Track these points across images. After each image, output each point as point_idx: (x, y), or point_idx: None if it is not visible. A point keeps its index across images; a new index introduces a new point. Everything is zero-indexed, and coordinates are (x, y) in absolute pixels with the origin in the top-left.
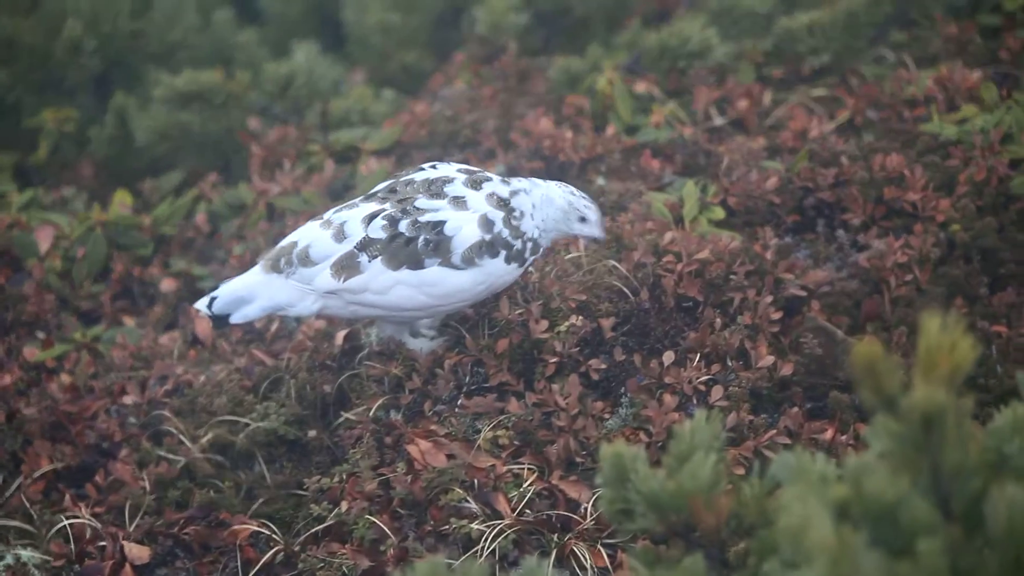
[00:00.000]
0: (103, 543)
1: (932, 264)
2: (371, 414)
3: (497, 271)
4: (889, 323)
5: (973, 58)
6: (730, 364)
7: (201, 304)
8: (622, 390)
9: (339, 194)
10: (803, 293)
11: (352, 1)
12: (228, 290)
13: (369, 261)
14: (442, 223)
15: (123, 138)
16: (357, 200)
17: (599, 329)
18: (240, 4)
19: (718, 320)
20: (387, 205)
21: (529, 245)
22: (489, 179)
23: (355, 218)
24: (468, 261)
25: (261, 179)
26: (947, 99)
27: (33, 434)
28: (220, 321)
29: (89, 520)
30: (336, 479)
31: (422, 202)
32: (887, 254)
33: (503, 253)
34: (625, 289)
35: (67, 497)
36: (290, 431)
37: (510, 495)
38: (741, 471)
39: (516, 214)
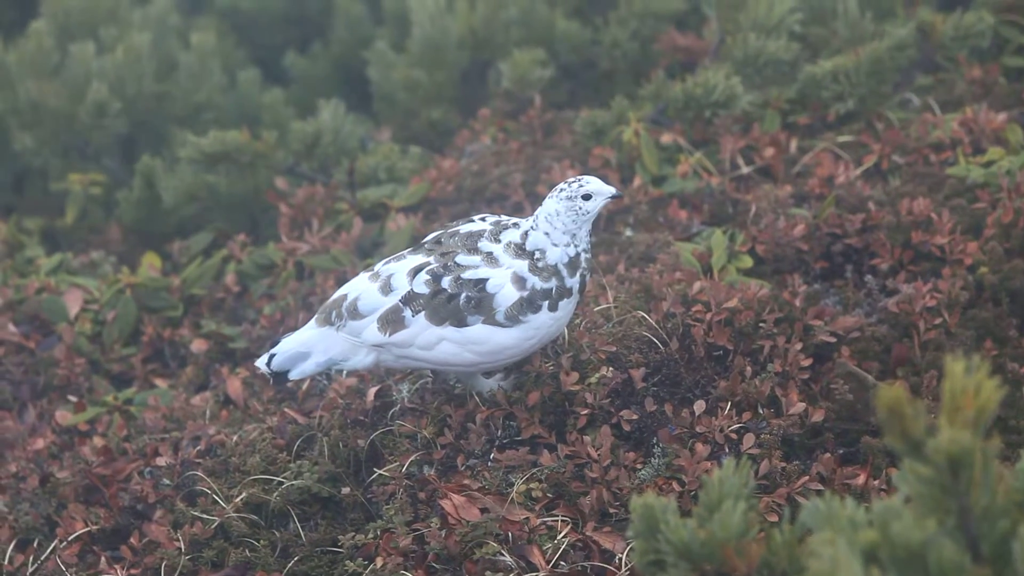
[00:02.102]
0: None
1: (961, 307)
2: (404, 470)
3: (544, 324)
4: (919, 367)
5: (998, 100)
6: (761, 412)
7: (261, 362)
8: (654, 440)
9: (368, 251)
10: (833, 339)
11: (377, 59)
12: (286, 346)
13: (413, 316)
14: (484, 280)
15: (150, 200)
16: (406, 252)
17: (630, 380)
18: (265, 64)
19: (748, 368)
20: (431, 259)
21: (566, 271)
22: (507, 227)
23: (401, 271)
24: (512, 319)
25: (290, 238)
26: (973, 142)
27: (67, 497)
28: (279, 378)
29: None
30: (371, 535)
31: (462, 258)
32: (916, 298)
33: (544, 304)
34: (655, 339)
35: (103, 559)
36: (324, 488)
37: (544, 547)
38: (774, 518)
39: (536, 255)
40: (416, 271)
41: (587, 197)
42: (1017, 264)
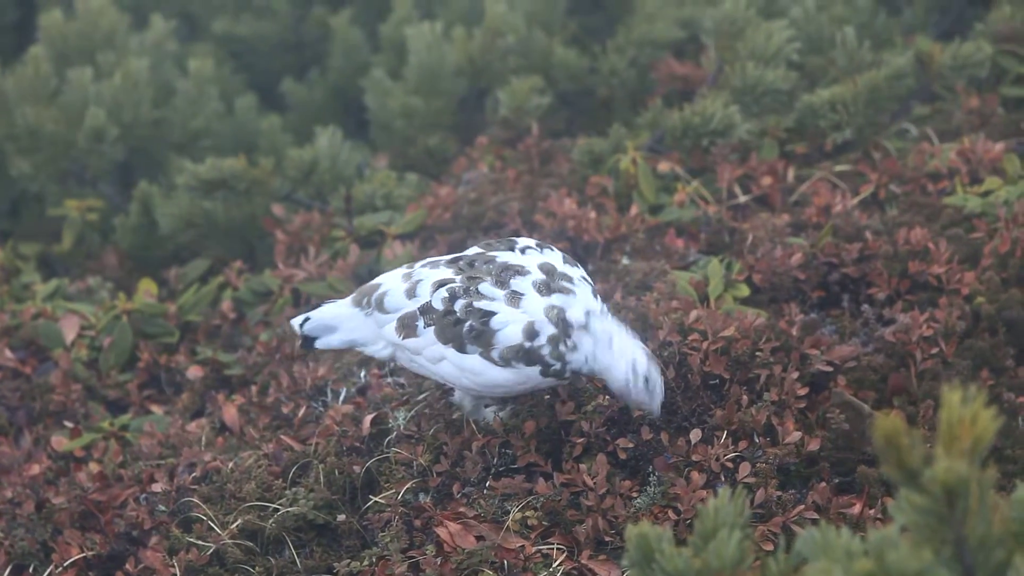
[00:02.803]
0: None
1: (958, 337)
2: (400, 497)
3: (534, 378)
4: (916, 397)
5: (996, 130)
6: (757, 440)
7: (295, 321)
8: (650, 468)
9: (364, 279)
10: (829, 368)
11: (374, 86)
12: (320, 314)
13: (424, 328)
14: (491, 315)
15: (147, 227)
16: (443, 259)
17: (626, 408)
18: (263, 91)
19: (744, 397)
20: (458, 278)
21: (570, 370)
22: (568, 290)
23: (428, 280)
24: (505, 360)
25: (286, 265)
26: (970, 171)
27: (63, 523)
28: (307, 342)
29: None
30: (366, 563)
31: (485, 287)
32: (912, 328)
33: (539, 367)
34: None
35: None
36: (319, 516)
37: (540, 575)
38: (770, 547)
39: (569, 344)
40: (440, 285)
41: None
42: (1014, 294)
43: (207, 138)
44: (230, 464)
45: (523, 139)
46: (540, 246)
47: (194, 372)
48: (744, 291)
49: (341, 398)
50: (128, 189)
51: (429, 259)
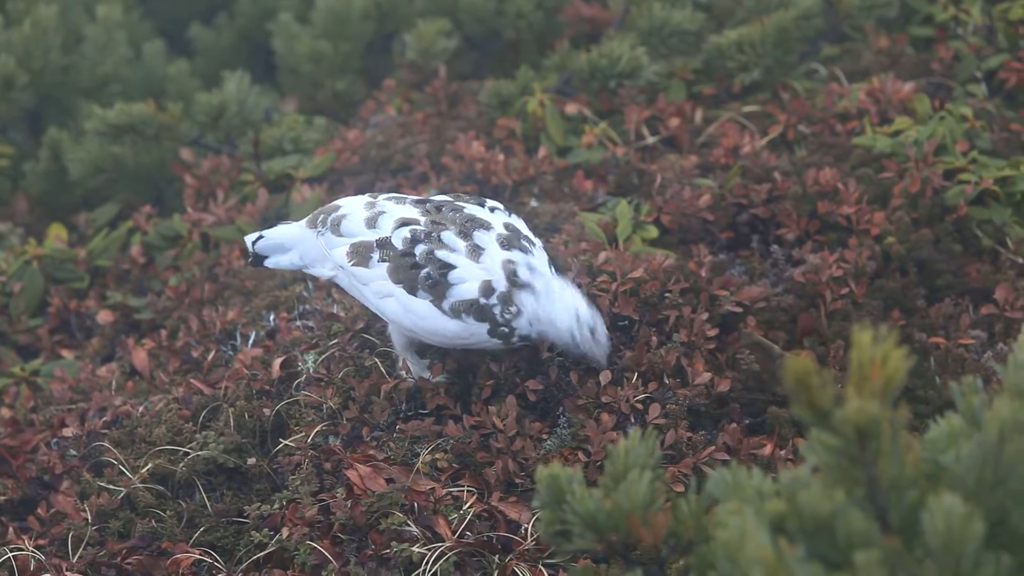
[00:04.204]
0: (47, 575)
1: (868, 277)
2: (310, 440)
3: (480, 336)
4: (826, 337)
5: (905, 70)
6: (667, 382)
7: (249, 238)
8: (560, 410)
9: (272, 222)
10: (739, 309)
11: (282, 30)
12: (274, 234)
13: (378, 262)
14: (451, 267)
15: (57, 172)
16: (409, 197)
17: (535, 350)
18: (171, 36)
19: (654, 338)
20: (423, 220)
21: (517, 337)
22: (527, 249)
23: (392, 215)
24: (455, 312)
25: (195, 210)
26: (880, 112)
27: None
28: (257, 260)
29: (33, 552)
30: (276, 506)
31: (448, 236)
32: (822, 268)
33: (487, 325)
34: None
35: (10, 530)
36: (229, 459)
37: (450, 517)
38: (680, 488)
39: (512, 309)
40: (402, 223)
41: (592, 331)
42: (924, 234)
43: (116, 83)
44: (140, 408)
45: (431, 82)
46: (507, 210)
47: (104, 317)
48: (653, 233)
49: (250, 342)
50: (38, 135)
51: (394, 194)
